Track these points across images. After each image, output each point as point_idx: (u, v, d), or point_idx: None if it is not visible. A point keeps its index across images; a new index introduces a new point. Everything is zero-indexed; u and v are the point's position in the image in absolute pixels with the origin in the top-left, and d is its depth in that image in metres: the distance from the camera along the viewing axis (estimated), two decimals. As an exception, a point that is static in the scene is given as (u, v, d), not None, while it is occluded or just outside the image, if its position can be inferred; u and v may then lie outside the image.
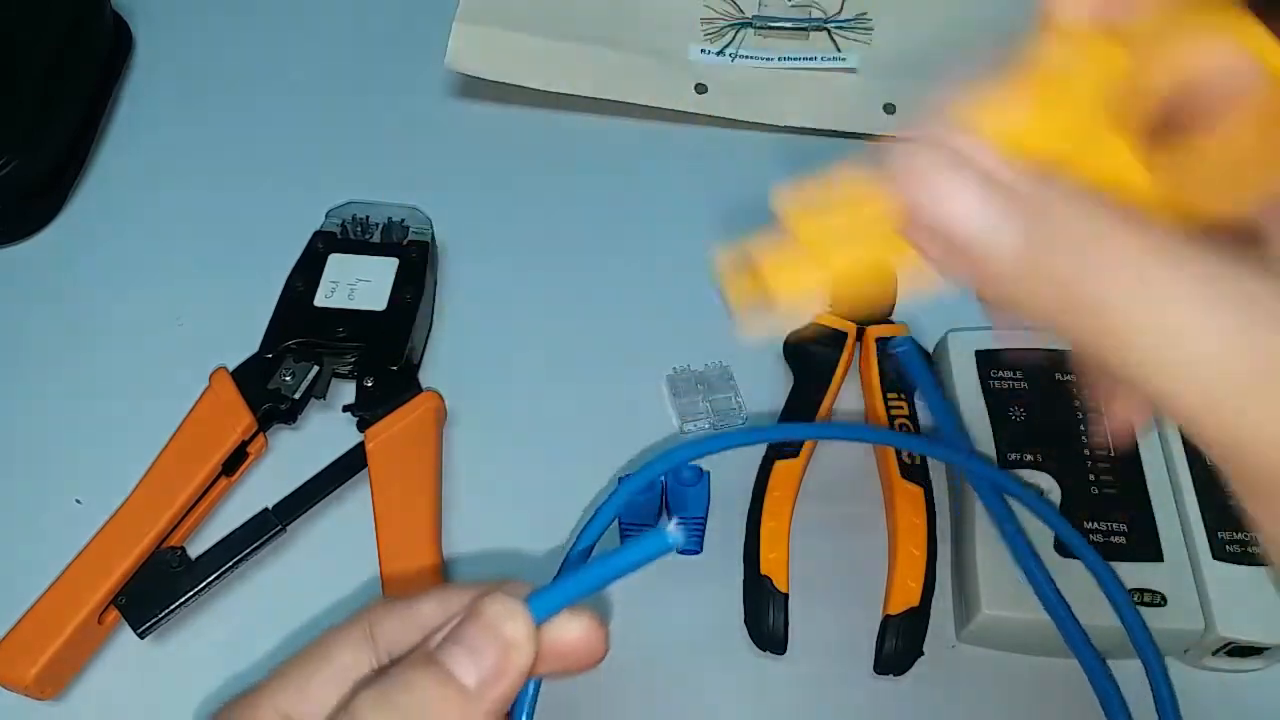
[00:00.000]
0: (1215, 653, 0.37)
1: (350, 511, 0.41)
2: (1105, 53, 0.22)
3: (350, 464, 0.40)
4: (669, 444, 0.41)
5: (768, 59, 0.53)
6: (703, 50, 0.53)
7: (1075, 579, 0.36)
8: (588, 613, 0.24)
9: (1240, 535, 0.38)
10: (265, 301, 0.43)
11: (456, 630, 0.22)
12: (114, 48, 0.54)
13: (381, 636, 0.25)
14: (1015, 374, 0.41)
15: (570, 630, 0.23)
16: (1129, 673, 0.36)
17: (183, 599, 0.37)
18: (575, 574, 0.24)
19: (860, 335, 0.43)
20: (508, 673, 0.22)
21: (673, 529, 0.22)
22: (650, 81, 0.52)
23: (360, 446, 0.40)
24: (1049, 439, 0.40)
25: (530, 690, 0.30)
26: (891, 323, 0.44)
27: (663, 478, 0.38)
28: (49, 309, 0.46)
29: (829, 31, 0.54)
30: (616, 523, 0.38)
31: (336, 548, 0.40)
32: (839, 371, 0.42)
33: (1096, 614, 0.36)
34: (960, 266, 0.20)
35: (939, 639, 0.38)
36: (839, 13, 0.54)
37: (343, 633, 0.25)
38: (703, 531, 0.40)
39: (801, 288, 0.22)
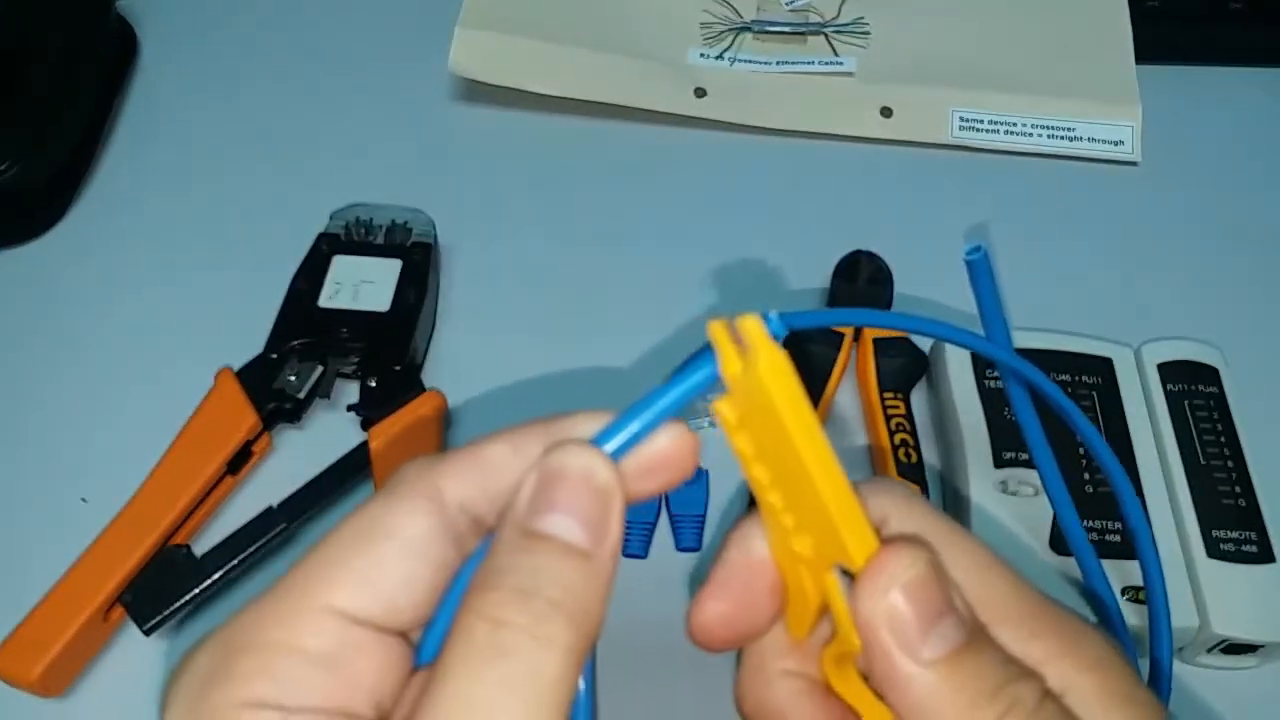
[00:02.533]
0: (1210, 650, 0.37)
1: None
2: None
3: (354, 462, 0.40)
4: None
5: (766, 63, 0.54)
6: (702, 54, 0.54)
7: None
8: (673, 422, 0.21)
9: (1235, 534, 0.38)
10: (270, 302, 0.43)
11: (544, 496, 0.21)
12: (119, 52, 0.54)
13: (451, 493, 0.21)
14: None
15: (659, 444, 0.21)
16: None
17: (188, 597, 0.37)
18: (648, 398, 0.21)
19: (858, 335, 0.44)
20: (610, 519, 0.21)
21: (773, 314, 0.20)
22: (650, 85, 0.52)
23: (364, 445, 0.40)
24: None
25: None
26: (889, 323, 0.44)
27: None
28: (55, 310, 0.47)
29: (826, 36, 0.54)
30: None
31: (340, 546, 0.40)
32: (836, 371, 0.43)
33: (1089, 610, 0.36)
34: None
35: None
36: (836, 17, 0.55)
37: (400, 501, 0.21)
38: (702, 529, 0.40)
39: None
